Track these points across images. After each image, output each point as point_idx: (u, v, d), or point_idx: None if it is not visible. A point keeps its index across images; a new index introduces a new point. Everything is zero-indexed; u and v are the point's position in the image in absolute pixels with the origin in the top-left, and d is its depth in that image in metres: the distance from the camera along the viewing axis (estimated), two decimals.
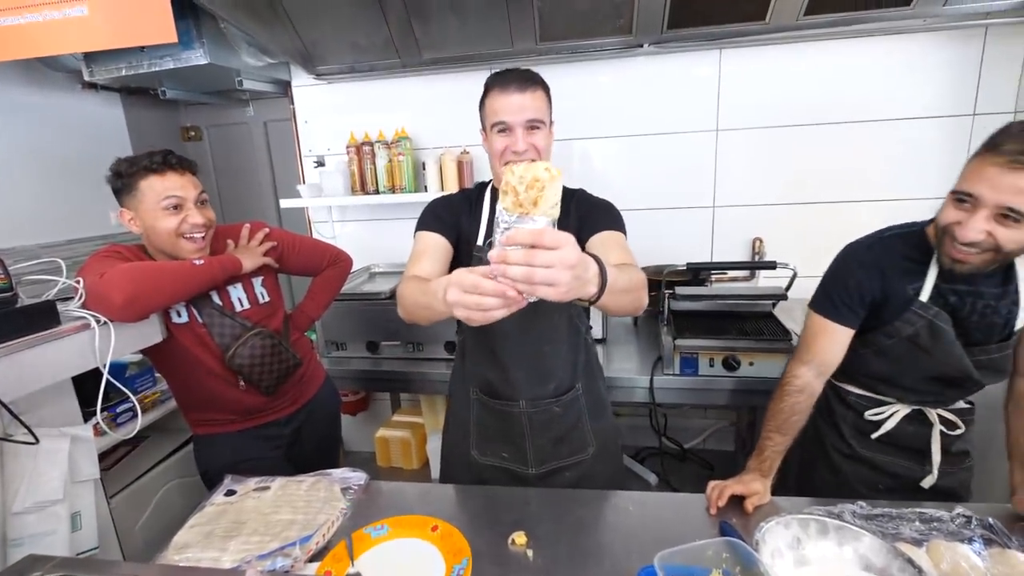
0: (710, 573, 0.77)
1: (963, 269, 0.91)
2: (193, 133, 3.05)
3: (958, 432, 1.08)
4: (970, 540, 0.82)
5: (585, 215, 1.13)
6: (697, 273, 1.97)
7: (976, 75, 1.92)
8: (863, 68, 1.98)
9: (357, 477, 1.14)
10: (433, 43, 2.01)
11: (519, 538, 0.93)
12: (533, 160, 1.03)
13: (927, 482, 1.09)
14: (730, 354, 1.67)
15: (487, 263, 0.66)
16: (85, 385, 1.18)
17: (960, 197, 0.87)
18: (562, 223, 1.10)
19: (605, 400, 1.30)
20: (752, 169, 2.15)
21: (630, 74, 2.13)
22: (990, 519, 0.87)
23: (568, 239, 0.61)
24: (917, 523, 0.87)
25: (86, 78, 2.12)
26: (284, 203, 2.36)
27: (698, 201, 2.23)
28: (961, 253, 0.88)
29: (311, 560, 0.91)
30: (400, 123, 2.27)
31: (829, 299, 1.07)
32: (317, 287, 1.59)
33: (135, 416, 1.28)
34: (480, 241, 1.14)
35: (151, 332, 1.20)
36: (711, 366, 1.71)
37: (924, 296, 0.99)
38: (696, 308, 1.82)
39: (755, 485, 0.98)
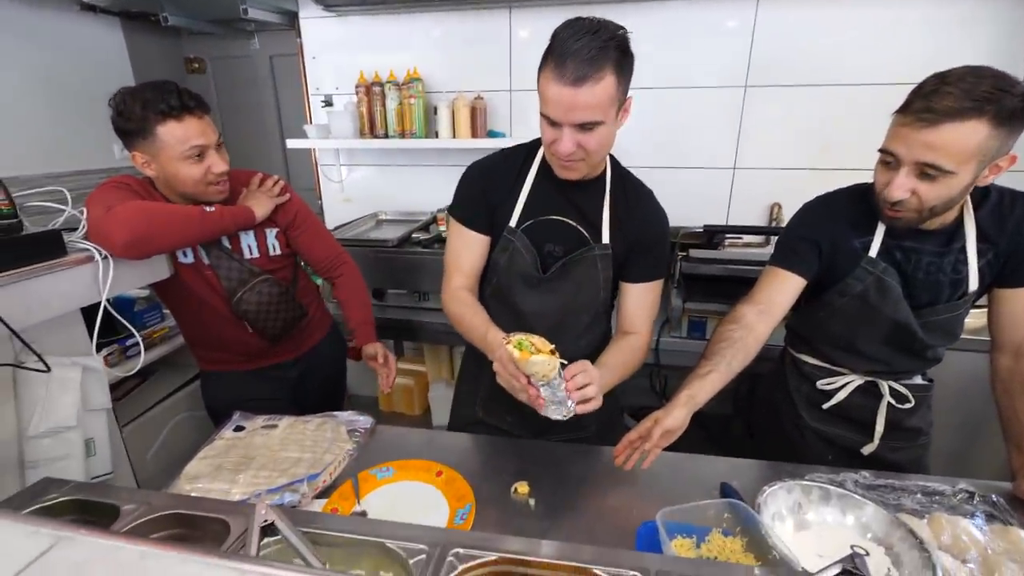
0: (710, 531, 0.79)
1: (900, 225, 0.95)
2: (197, 65, 2.93)
3: (907, 406, 1.09)
4: (972, 515, 0.82)
5: (635, 244, 1.06)
6: (712, 236, 1.93)
7: None
8: (906, 26, 1.84)
9: (364, 421, 1.16)
10: None
11: (521, 487, 0.95)
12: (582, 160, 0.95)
13: (867, 449, 1.12)
14: None
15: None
16: (96, 317, 1.18)
17: (884, 157, 0.91)
18: (616, 225, 1.05)
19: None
20: (778, 130, 2.06)
21: (658, 20, 2.00)
22: (994, 496, 0.87)
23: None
24: (919, 495, 0.87)
25: None
26: (291, 143, 2.29)
27: (719, 162, 2.15)
28: (892, 211, 0.92)
29: (318, 497, 0.94)
30: (412, 63, 2.17)
31: (783, 249, 1.09)
32: (351, 298, 1.45)
33: (140, 352, 1.28)
34: (514, 223, 1.06)
35: (157, 269, 1.18)
36: None
37: (873, 252, 1.01)
38: (708, 272, 1.78)
39: (676, 412, 0.89)
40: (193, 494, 0.90)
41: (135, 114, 1.08)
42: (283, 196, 1.34)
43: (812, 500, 0.82)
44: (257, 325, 1.31)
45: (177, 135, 1.10)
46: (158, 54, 2.78)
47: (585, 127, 0.88)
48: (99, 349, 1.20)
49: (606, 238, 1.04)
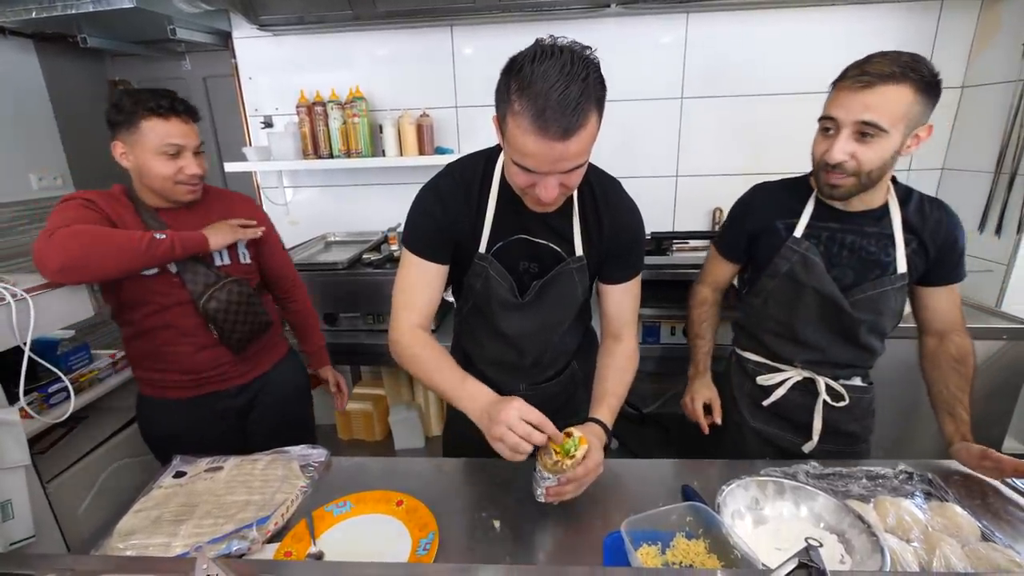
0: (674, 536, 0.79)
1: (839, 194, 1.01)
2: (123, 88, 2.77)
3: (842, 404, 1.13)
4: (912, 495, 0.87)
5: (610, 249, 1.03)
6: (660, 242, 1.99)
7: (930, 48, 1.97)
8: (824, 37, 1.99)
9: (318, 454, 1.10)
10: None
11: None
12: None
13: (807, 447, 1.17)
14: None
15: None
16: (10, 364, 1.08)
17: (825, 124, 1.00)
18: (588, 236, 1.01)
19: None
20: (714, 138, 2.16)
21: (597, 37, 2.04)
22: (929, 475, 0.93)
23: (596, 470, 0.89)
24: (864, 480, 0.91)
25: None
26: (229, 167, 2.20)
27: (662, 171, 2.23)
28: (832, 177, 0.99)
29: (269, 541, 0.88)
30: (355, 82, 2.14)
31: (723, 235, 1.27)
32: (306, 323, 1.60)
33: (68, 397, 1.17)
34: (483, 248, 1.00)
35: (80, 308, 1.10)
36: (672, 334, 1.74)
37: (798, 233, 1.09)
38: (659, 278, 1.83)
39: (705, 392, 1.23)
40: (128, 552, 0.82)
41: (125, 107, 1.14)
42: (254, 232, 1.34)
43: (768, 495, 0.84)
44: (226, 327, 1.26)
45: (158, 131, 1.15)
46: (78, 77, 2.62)
47: (570, 171, 0.81)
48: (13, 400, 1.09)
49: (579, 251, 1.01)
